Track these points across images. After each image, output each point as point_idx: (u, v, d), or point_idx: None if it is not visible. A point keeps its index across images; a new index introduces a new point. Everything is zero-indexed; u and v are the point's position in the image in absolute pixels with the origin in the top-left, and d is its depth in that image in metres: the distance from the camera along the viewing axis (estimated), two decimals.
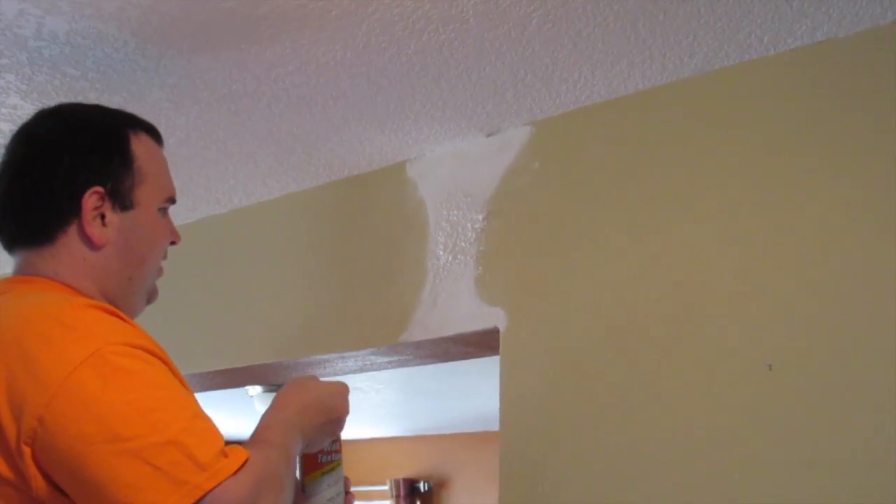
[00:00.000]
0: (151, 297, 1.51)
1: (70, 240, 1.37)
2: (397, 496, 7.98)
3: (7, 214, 1.41)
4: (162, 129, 2.18)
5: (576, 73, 1.95)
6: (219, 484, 1.15)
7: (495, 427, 2.11)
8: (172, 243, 1.53)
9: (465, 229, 2.25)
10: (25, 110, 2.05)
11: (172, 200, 1.51)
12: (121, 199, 1.40)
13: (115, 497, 1.13)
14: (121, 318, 1.26)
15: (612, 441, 1.93)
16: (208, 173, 2.51)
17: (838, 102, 1.79)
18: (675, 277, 1.91)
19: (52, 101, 2.02)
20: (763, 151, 1.85)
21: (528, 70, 1.94)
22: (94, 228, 1.37)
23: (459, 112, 2.14)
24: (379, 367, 2.62)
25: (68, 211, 1.37)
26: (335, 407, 1.50)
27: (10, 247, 1.42)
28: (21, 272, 1.39)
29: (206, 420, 1.21)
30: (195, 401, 1.24)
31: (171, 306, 2.84)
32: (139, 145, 1.45)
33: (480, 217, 2.22)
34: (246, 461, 1.20)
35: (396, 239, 2.39)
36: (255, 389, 5.52)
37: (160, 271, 1.51)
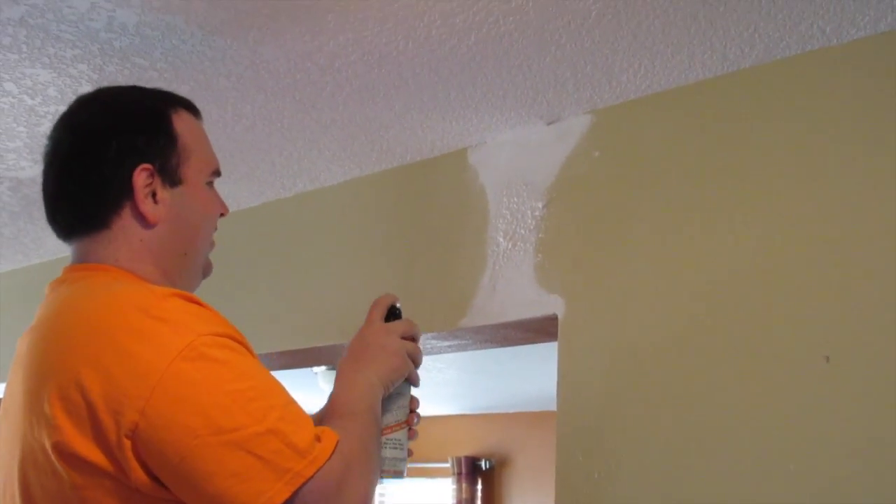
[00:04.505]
0: (207, 270, 1.53)
1: (125, 222, 1.39)
2: (459, 474, 8.04)
3: (60, 204, 1.43)
4: (228, 117, 2.27)
5: (636, 63, 1.96)
6: (318, 469, 1.20)
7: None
8: (221, 215, 1.54)
9: (524, 216, 2.27)
10: None
11: (218, 173, 1.53)
12: (169, 175, 1.41)
13: (219, 487, 1.17)
14: (200, 305, 1.29)
15: (667, 430, 1.94)
16: (273, 159, 2.56)
17: None
18: (733, 268, 1.91)
19: None
20: (824, 143, 1.84)
21: (588, 60, 1.95)
22: (147, 206, 1.38)
23: (520, 101, 2.15)
24: (439, 351, 2.66)
25: (120, 193, 1.38)
26: (394, 348, 1.54)
27: (68, 236, 1.44)
28: (83, 260, 1.41)
29: (297, 406, 1.26)
30: (283, 386, 1.27)
31: (237, 289, 2.90)
32: (180, 122, 1.46)
33: (540, 205, 2.24)
34: (337, 443, 1.24)
35: (457, 225, 2.42)
36: (318, 367, 5.59)
37: (212, 244, 1.53)
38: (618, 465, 2.00)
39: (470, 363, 5.89)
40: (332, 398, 1.43)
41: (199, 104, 2.16)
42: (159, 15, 1.78)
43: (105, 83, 2.06)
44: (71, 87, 2.08)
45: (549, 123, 2.26)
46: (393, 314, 1.61)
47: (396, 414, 1.56)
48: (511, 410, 7.96)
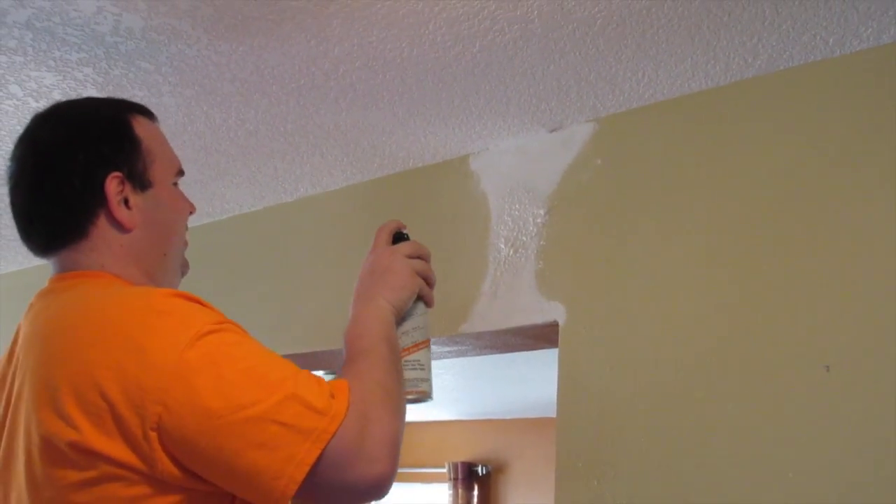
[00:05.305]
0: (184, 269, 1.55)
1: (102, 230, 1.41)
2: (455, 479, 8.02)
3: (33, 222, 1.43)
4: (231, 122, 2.27)
5: (639, 72, 1.97)
6: (340, 425, 1.21)
7: (554, 413, 2.14)
8: (189, 213, 1.56)
9: (526, 223, 2.27)
10: None
11: (181, 172, 1.54)
12: (139, 180, 1.43)
13: (249, 461, 1.19)
14: (201, 302, 1.31)
15: (668, 438, 1.95)
16: (276, 164, 2.56)
17: None
18: (734, 277, 1.92)
19: (126, 94, 2.09)
20: (825, 153, 1.85)
21: (592, 69, 1.96)
22: (121, 213, 1.40)
23: (523, 108, 2.16)
24: (439, 356, 2.66)
25: (94, 202, 1.40)
26: (399, 268, 1.52)
27: (45, 251, 1.44)
28: (69, 269, 1.42)
29: (307, 371, 1.27)
30: (288, 360, 1.29)
31: (238, 292, 2.91)
32: (140, 128, 1.47)
33: (542, 212, 2.25)
34: (349, 397, 1.25)
35: (458, 231, 2.42)
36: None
37: (186, 243, 1.55)
38: (617, 473, 2.00)
39: (468, 368, 5.88)
40: (345, 337, 1.44)
41: (203, 108, 2.19)
42: (166, 20, 1.79)
43: (110, 87, 2.07)
44: (76, 90, 2.08)
45: (551, 131, 2.26)
46: (400, 239, 1.58)
47: (413, 335, 1.52)
48: (508, 417, 7.95)
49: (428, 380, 1.53)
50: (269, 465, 1.19)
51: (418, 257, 1.56)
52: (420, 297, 1.55)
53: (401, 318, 1.51)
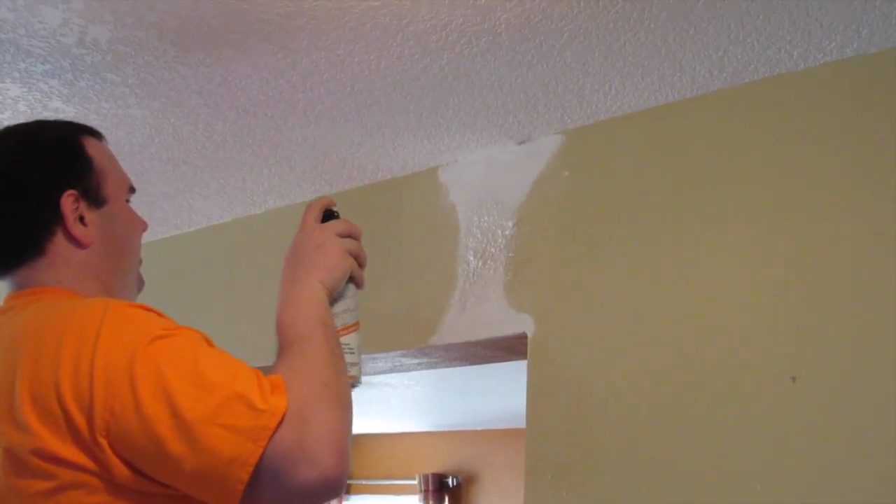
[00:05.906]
0: (140, 285, 1.56)
1: (59, 247, 1.42)
2: (426, 491, 8.00)
3: None
4: (199, 134, 2.26)
5: (607, 84, 1.98)
6: (280, 422, 1.20)
7: (524, 424, 2.14)
8: (143, 230, 1.57)
9: (495, 235, 2.28)
10: (67, 114, 2.11)
11: (133, 190, 1.55)
12: (93, 197, 1.45)
13: (195, 465, 1.19)
14: (159, 314, 1.32)
15: (636, 450, 1.95)
16: (244, 176, 2.56)
17: (866, 119, 1.80)
18: (701, 289, 1.93)
19: (93, 106, 2.08)
20: (790, 166, 1.87)
21: (560, 81, 1.97)
22: (77, 230, 1.42)
23: (491, 120, 2.17)
24: (408, 368, 2.66)
25: (50, 220, 1.41)
26: (331, 247, 1.48)
27: (1, 271, 1.45)
28: (25, 286, 1.43)
29: (247, 368, 1.26)
30: (229, 355, 1.28)
31: (206, 305, 2.89)
32: (91, 147, 1.49)
33: (510, 224, 2.25)
34: (286, 393, 1.23)
35: (427, 243, 2.42)
36: None
37: (140, 261, 1.56)
38: (586, 483, 2.00)
39: (437, 380, 5.87)
40: (277, 321, 1.41)
41: (170, 120, 2.18)
42: (132, 31, 1.78)
43: (76, 99, 2.05)
44: (41, 101, 2.07)
45: (519, 143, 2.27)
46: (330, 217, 1.54)
47: (344, 318, 1.48)
48: (477, 428, 7.94)
49: (357, 364, 1.48)
50: (214, 469, 1.19)
51: (349, 236, 1.52)
52: (351, 278, 1.51)
53: (332, 299, 1.47)
